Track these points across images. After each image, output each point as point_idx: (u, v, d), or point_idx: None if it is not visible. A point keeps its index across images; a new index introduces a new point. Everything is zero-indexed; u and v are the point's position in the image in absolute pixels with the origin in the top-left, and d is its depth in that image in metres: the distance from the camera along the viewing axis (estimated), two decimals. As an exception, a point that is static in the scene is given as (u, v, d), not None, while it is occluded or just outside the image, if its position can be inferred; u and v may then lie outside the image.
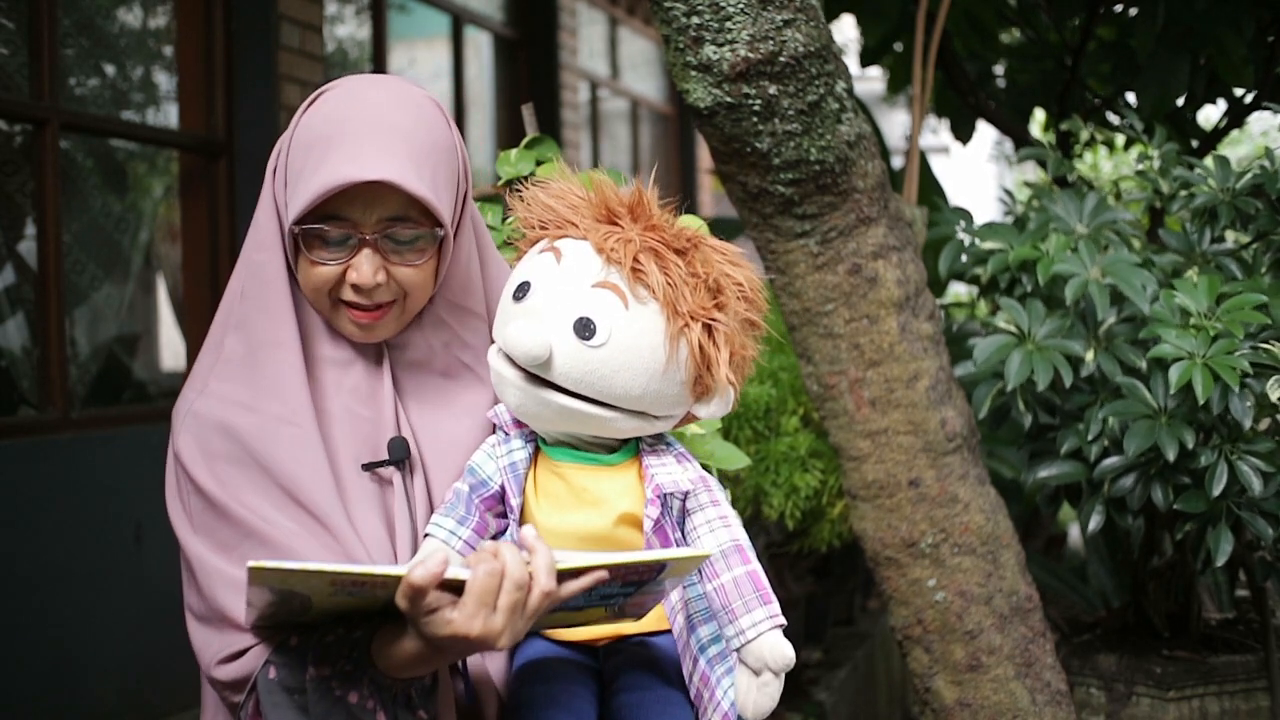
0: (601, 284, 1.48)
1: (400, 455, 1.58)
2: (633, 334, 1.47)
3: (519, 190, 1.60)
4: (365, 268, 1.53)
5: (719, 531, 1.55)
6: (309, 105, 1.58)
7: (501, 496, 1.57)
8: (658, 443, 1.58)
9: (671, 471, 1.56)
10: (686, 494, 1.56)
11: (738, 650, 1.52)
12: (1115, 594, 3.87)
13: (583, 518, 1.54)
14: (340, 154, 1.49)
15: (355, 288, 1.54)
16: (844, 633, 4.59)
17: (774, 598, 1.53)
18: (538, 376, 1.49)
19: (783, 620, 1.52)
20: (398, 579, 1.32)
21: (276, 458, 1.53)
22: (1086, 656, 3.00)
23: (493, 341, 1.58)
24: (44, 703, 3.62)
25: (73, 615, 3.72)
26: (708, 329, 1.49)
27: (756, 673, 1.51)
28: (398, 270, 1.55)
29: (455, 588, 1.34)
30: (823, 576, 4.31)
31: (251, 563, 1.30)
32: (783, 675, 1.51)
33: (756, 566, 1.55)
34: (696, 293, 1.49)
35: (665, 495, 1.55)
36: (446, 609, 1.33)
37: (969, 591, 2.66)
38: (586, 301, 1.48)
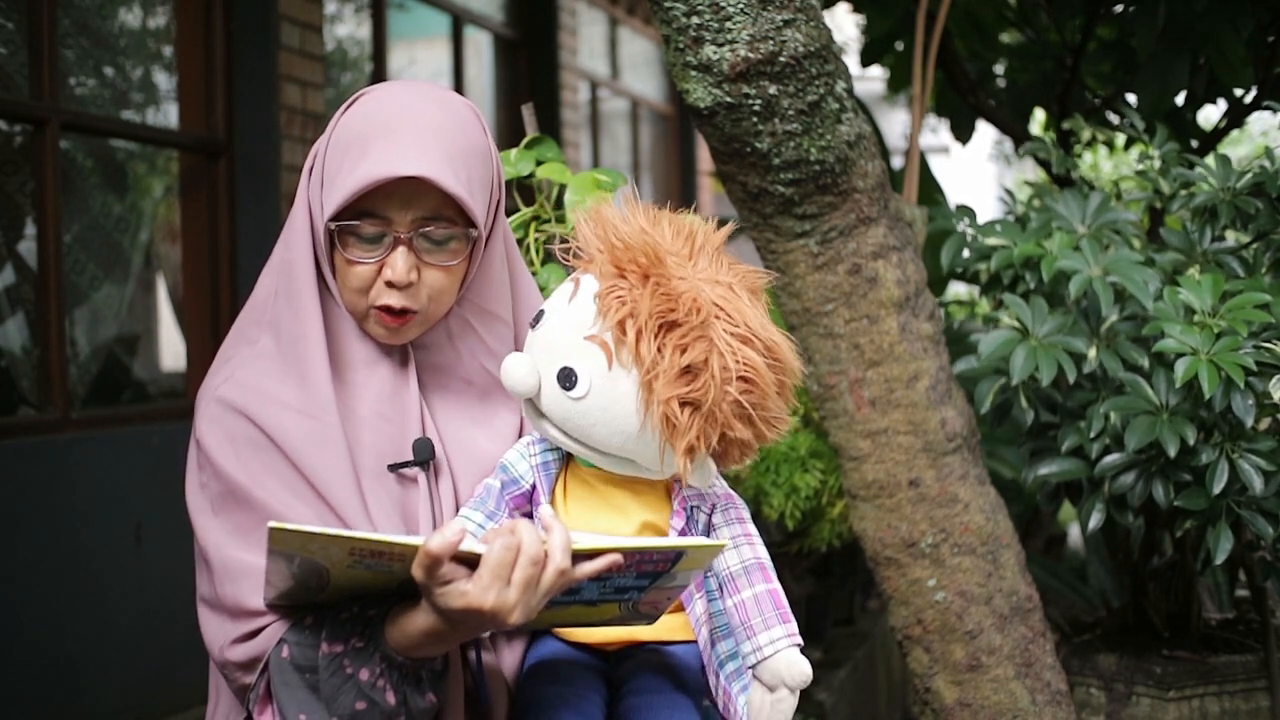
0: (592, 337, 1.47)
1: (425, 456, 1.60)
2: (610, 395, 1.47)
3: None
4: (400, 265, 1.55)
5: (743, 548, 1.58)
6: (347, 108, 1.61)
7: (530, 496, 1.58)
8: None
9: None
10: (714, 507, 1.58)
11: (753, 667, 1.53)
12: (1115, 594, 3.87)
13: (607, 523, 1.55)
14: (378, 151, 1.52)
15: (389, 285, 1.56)
16: (844, 633, 4.59)
17: (793, 618, 1.55)
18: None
19: (800, 640, 1.54)
20: (415, 548, 1.34)
21: (298, 449, 1.55)
22: (1086, 656, 3.00)
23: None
24: (44, 703, 3.62)
25: (73, 615, 3.72)
26: (668, 419, 1.44)
27: (771, 689, 1.52)
28: (428, 272, 1.57)
29: (471, 562, 1.37)
30: (823, 576, 4.31)
31: (273, 524, 1.33)
32: (798, 692, 1.52)
33: (777, 586, 1.57)
34: (670, 378, 1.43)
35: (691, 507, 1.56)
36: (461, 581, 1.36)
37: (969, 591, 2.66)
38: (575, 352, 1.48)
